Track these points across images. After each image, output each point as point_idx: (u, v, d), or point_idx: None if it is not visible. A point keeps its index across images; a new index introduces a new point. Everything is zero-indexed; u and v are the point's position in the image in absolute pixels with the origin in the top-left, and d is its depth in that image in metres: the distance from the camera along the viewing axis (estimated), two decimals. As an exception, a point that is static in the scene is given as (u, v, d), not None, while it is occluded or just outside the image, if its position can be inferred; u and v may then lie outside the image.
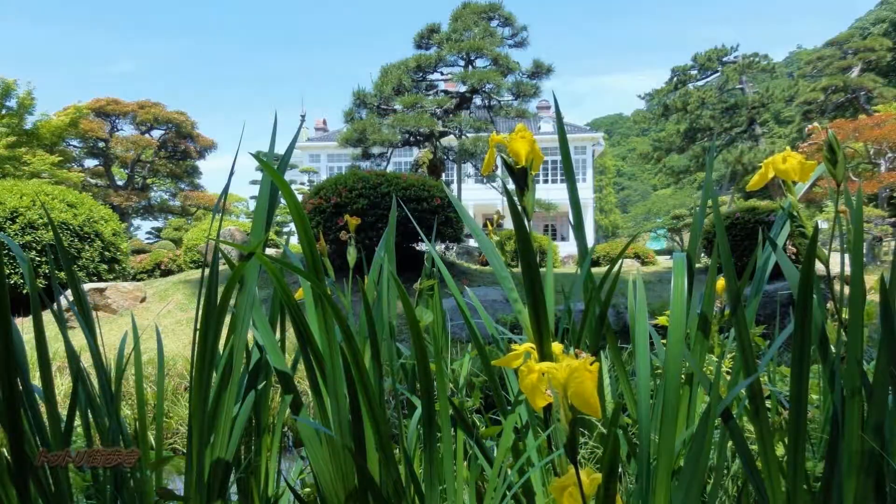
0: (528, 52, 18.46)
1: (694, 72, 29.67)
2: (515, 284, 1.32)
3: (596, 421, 1.76)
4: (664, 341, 1.28)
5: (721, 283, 1.54)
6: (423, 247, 8.42)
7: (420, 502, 1.15)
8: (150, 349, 3.77)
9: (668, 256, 15.21)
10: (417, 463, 1.41)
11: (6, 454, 1.02)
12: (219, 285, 1.04)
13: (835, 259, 1.28)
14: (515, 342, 1.78)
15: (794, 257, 1.12)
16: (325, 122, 32.17)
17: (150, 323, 5.69)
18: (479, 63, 15.36)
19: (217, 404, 1.06)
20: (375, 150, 15.35)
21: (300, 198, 6.38)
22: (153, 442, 1.43)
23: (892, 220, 14.20)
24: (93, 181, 27.47)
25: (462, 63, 15.36)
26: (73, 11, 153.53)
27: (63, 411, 1.38)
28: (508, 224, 16.43)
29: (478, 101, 15.48)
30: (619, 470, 1.39)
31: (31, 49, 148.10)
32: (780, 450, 1.28)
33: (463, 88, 15.28)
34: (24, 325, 4.07)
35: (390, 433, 1.23)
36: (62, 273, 5.31)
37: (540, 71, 15.14)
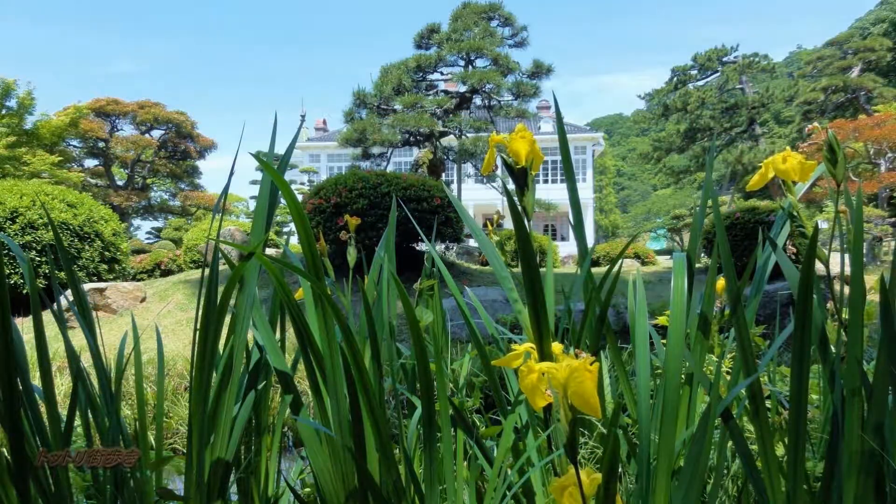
0: (528, 52, 18.46)
1: (694, 72, 29.65)
2: (515, 284, 1.32)
3: (596, 421, 1.76)
4: (664, 341, 1.28)
5: (721, 283, 1.54)
6: (423, 247, 8.42)
7: (420, 502, 1.15)
8: (150, 349, 3.77)
9: (668, 256, 15.21)
10: (417, 463, 1.41)
11: (6, 454, 1.02)
12: (219, 285, 1.04)
13: (835, 259, 1.28)
14: (515, 342, 1.78)
15: (794, 257, 1.12)
16: (325, 123, 32.15)
17: (150, 323, 5.69)
18: (479, 63, 15.35)
19: (217, 404, 1.06)
20: (375, 150, 15.34)
21: (300, 198, 6.38)
22: (153, 442, 1.43)
23: (892, 220, 14.19)
24: (93, 181, 27.44)
25: (462, 63, 15.35)
26: (73, 11, 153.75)
27: (63, 411, 1.38)
28: (508, 224, 16.41)
29: (478, 101, 15.47)
30: (619, 470, 1.39)
31: (31, 49, 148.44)
32: (780, 450, 1.29)
33: (463, 88, 15.27)
34: (24, 325, 4.07)
35: (390, 433, 1.23)
36: (62, 273, 5.31)
37: (540, 71, 15.12)
